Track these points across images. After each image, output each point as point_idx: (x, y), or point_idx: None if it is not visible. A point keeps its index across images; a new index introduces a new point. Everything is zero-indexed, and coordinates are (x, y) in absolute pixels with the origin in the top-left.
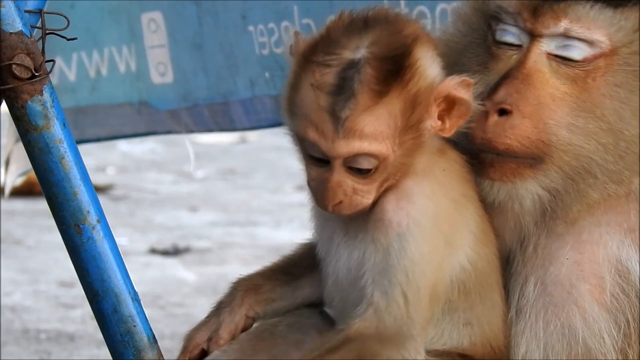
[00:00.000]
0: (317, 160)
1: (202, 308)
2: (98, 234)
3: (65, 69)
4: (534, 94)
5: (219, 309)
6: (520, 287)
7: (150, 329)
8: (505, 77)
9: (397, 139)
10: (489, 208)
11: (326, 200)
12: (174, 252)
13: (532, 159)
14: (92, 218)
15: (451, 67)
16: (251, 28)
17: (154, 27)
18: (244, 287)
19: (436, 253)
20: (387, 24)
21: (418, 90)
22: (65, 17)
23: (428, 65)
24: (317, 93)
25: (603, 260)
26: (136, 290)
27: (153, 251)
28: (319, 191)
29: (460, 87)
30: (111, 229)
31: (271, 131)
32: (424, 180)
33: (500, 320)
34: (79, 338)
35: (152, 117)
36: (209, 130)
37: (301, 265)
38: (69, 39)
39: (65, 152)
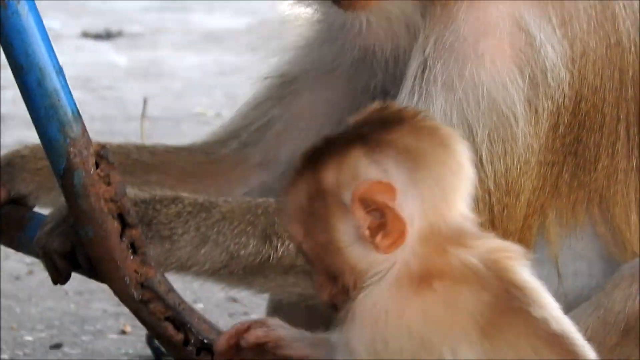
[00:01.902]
0: None
1: (132, 92)
2: (23, 8)
3: None
4: None
5: None
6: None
7: (75, 104)
8: None
9: None
10: None
11: None
12: (106, 36)
13: None
14: None
15: None
16: None
17: None
18: None
19: None
20: None
21: None
22: None
23: None
24: None
25: (504, 16)
26: (65, 70)
27: (85, 35)
28: None
29: None
30: (44, 12)
31: None
32: None
33: None
34: (10, 119)
35: None
36: None
37: None
38: None
39: None
